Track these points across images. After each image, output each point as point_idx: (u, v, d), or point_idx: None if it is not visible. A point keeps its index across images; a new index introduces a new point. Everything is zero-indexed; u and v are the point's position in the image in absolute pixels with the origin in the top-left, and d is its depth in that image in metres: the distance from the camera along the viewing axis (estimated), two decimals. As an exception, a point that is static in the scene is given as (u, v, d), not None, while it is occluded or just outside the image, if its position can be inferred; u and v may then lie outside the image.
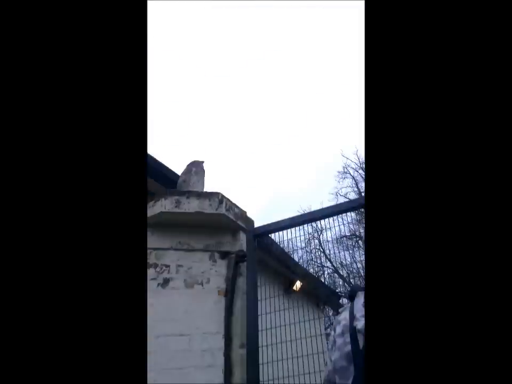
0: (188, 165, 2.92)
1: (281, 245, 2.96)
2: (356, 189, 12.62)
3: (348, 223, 2.72)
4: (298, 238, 2.45)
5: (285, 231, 2.49)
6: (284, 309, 2.32)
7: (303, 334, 2.43)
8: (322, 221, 2.41)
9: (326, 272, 9.99)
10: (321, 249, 9.44)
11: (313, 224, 3.30)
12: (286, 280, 4.29)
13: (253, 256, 2.35)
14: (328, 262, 9.68)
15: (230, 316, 2.37)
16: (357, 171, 12.87)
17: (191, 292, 2.43)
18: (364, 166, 12.55)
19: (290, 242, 2.51)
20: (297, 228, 2.47)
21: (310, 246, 9.58)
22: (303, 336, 2.40)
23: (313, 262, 9.37)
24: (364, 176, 12.54)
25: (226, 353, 2.22)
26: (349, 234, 8.28)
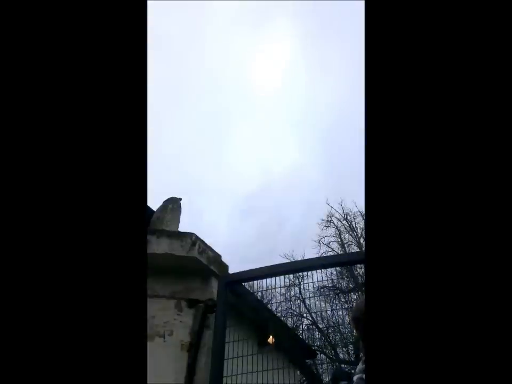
0: (164, 202, 2.77)
1: (257, 294, 2.74)
2: (339, 239, 12.44)
3: (328, 277, 2.55)
4: (277, 285, 2.28)
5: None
6: (252, 371, 2.04)
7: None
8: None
9: (304, 323, 9.58)
10: (301, 298, 9.10)
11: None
12: (259, 333, 3.97)
13: (224, 307, 2.11)
14: (307, 313, 9.32)
15: (191, 376, 2.13)
16: (341, 221, 12.76)
17: (150, 345, 2.17)
18: (347, 217, 12.56)
19: (267, 291, 2.32)
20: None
21: (290, 293, 9.27)
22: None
23: (291, 311, 9.00)
24: (347, 227, 12.50)
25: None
26: (330, 285, 8.01)
